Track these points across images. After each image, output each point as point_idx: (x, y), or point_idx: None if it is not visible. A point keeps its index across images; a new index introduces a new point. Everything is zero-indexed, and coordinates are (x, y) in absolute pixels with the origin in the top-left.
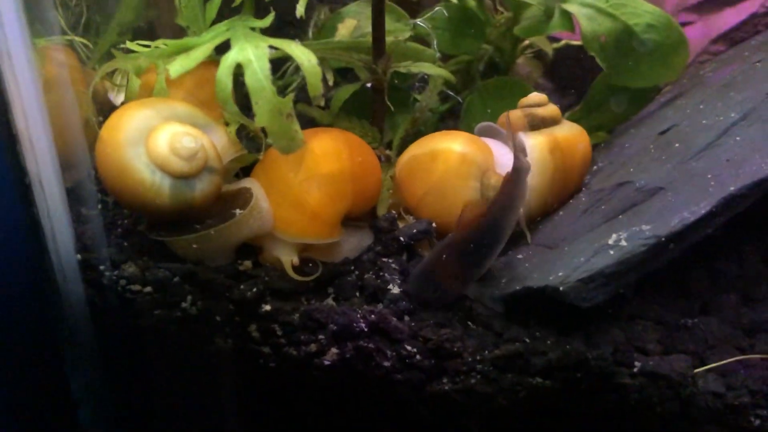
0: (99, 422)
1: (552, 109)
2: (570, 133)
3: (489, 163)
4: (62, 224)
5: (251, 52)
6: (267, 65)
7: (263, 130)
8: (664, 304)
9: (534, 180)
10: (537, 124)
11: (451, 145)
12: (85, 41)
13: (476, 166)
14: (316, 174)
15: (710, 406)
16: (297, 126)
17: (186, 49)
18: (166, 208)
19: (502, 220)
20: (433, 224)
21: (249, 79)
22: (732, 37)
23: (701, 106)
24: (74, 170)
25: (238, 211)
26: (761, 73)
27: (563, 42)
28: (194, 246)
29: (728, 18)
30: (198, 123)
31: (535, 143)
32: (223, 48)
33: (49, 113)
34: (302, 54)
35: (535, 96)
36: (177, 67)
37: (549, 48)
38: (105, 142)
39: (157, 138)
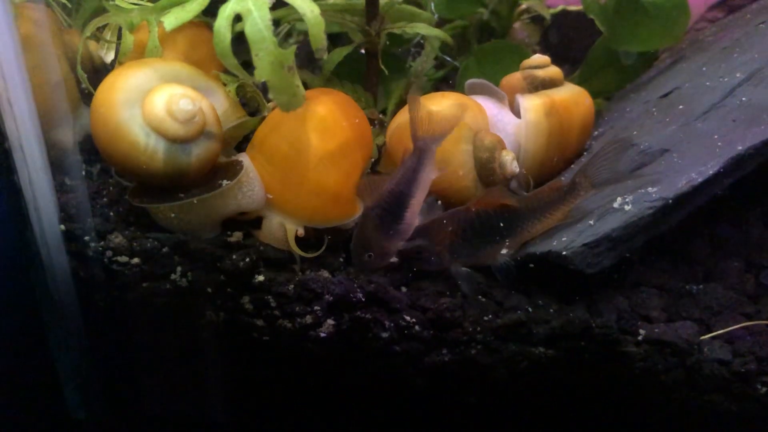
0: (86, 403)
1: (553, 71)
2: (569, 95)
3: (481, 124)
4: (45, 193)
5: (251, 2)
6: (268, 15)
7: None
8: (667, 271)
9: (528, 144)
10: (536, 86)
11: (438, 109)
12: (65, 2)
13: (466, 128)
14: (328, 152)
15: (716, 373)
16: (298, 80)
17: (181, 3)
18: (159, 173)
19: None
20: (439, 201)
21: (249, 30)
22: (730, 5)
23: (704, 69)
24: (57, 135)
25: (224, 182)
26: (766, 33)
27: (560, 7)
28: (172, 215)
29: None
30: (199, 85)
31: (530, 105)
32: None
33: (30, 74)
34: (305, 4)
35: (538, 57)
36: (172, 19)
37: (546, 12)
38: (99, 101)
39: (154, 99)
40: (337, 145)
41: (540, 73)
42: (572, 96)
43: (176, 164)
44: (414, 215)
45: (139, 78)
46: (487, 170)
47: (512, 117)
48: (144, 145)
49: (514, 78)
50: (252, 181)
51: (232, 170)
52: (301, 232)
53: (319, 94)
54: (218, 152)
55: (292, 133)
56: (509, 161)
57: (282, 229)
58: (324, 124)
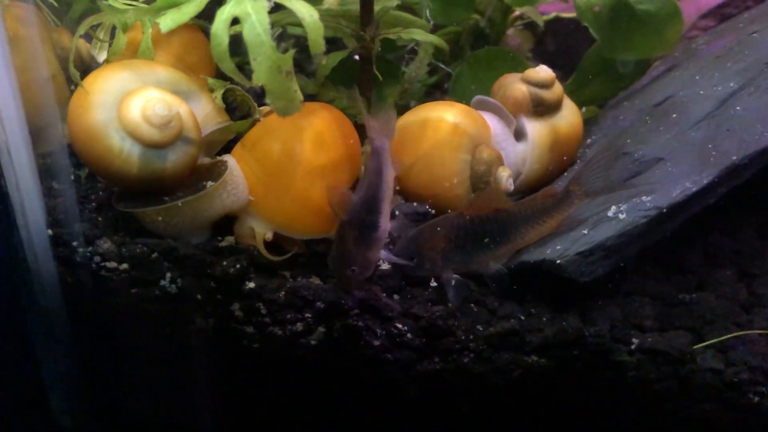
0: (72, 410)
1: (558, 92)
2: (571, 125)
3: (483, 137)
4: (32, 197)
5: (249, 6)
6: (266, 19)
7: (256, 95)
8: (660, 280)
9: (527, 167)
10: (541, 111)
11: (443, 115)
12: (53, 2)
13: (468, 138)
14: (318, 166)
15: (709, 383)
16: (296, 86)
17: (177, 4)
18: (133, 177)
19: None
20: (433, 211)
21: (247, 34)
22: (722, 13)
23: (697, 77)
24: (45, 138)
25: (209, 183)
26: (759, 43)
27: (553, 14)
28: (159, 219)
29: None
30: (180, 90)
31: (537, 136)
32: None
33: (18, 75)
34: (303, 8)
35: (544, 74)
36: (168, 21)
37: (540, 19)
38: (76, 103)
39: (131, 103)
40: (330, 160)
41: (547, 95)
42: (573, 124)
43: (151, 169)
44: (387, 219)
45: (118, 80)
46: (481, 183)
47: (516, 145)
48: (119, 149)
49: (518, 90)
50: (236, 180)
51: (217, 171)
52: (269, 236)
53: (320, 108)
54: (196, 157)
55: (287, 140)
56: (505, 177)
57: (253, 232)
58: (321, 138)
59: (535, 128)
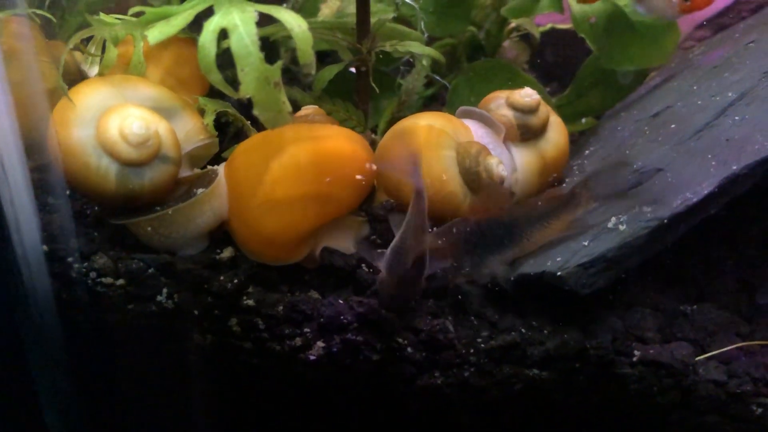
0: (67, 428)
1: (543, 116)
2: (557, 147)
3: (463, 136)
4: (27, 212)
5: (237, 17)
6: (254, 30)
7: (244, 110)
8: (662, 291)
9: (516, 188)
10: (528, 137)
11: (416, 121)
12: (49, 16)
13: (446, 135)
14: (272, 199)
15: (711, 395)
16: (284, 97)
17: (166, 17)
18: (111, 195)
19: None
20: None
21: (235, 45)
22: (717, 23)
23: (695, 87)
24: (41, 153)
25: (200, 190)
26: (756, 53)
27: (548, 25)
28: (150, 229)
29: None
30: (162, 106)
31: (526, 165)
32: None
33: (12, 89)
34: (292, 19)
35: (529, 99)
36: (156, 34)
37: (536, 30)
38: (56, 119)
39: (109, 120)
40: (286, 197)
41: (534, 121)
42: (559, 146)
43: (128, 187)
44: None
45: (97, 96)
46: (472, 175)
47: (505, 150)
48: (96, 166)
49: (503, 118)
50: (222, 187)
51: (207, 179)
52: None
53: (305, 137)
54: (175, 175)
55: (255, 164)
56: (494, 164)
57: None
58: (284, 173)
59: (524, 156)
